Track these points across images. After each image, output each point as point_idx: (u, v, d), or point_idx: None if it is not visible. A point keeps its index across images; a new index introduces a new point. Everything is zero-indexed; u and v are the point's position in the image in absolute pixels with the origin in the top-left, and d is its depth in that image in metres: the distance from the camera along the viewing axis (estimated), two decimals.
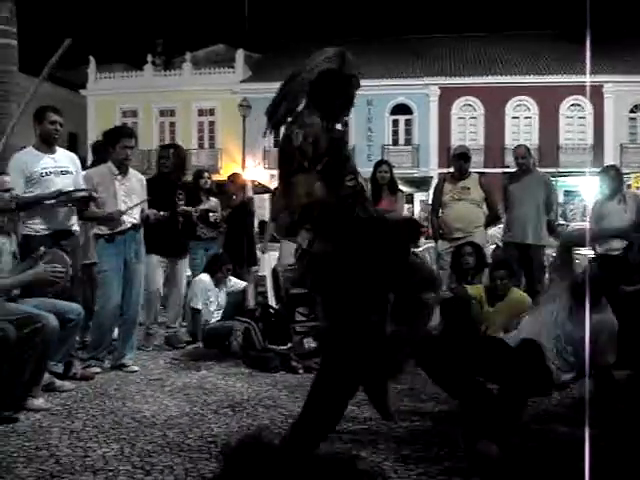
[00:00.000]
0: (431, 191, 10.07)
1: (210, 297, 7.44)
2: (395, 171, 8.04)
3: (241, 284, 7.84)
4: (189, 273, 8.48)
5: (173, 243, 7.27)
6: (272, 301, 8.62)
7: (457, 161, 7.77)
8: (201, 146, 34.94)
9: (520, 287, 7.02)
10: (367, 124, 32.47)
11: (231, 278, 7.77)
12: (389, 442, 4.03)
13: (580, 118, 32.11)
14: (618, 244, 7.09)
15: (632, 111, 31.83)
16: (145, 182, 6.53)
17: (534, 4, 62.82)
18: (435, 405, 4.89)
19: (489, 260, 7.86)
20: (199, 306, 7.33)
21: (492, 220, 7.96)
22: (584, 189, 27.58)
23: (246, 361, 6.43)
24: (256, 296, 8.83)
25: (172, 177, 7.47)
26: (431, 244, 9.46)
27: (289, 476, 3.05)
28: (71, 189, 5.70)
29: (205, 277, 7.49)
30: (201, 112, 34.88)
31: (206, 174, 8.94)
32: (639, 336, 5.08)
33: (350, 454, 3.73)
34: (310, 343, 6.60)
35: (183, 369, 6.28)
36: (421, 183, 30.43)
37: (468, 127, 32.79)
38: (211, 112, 34.74)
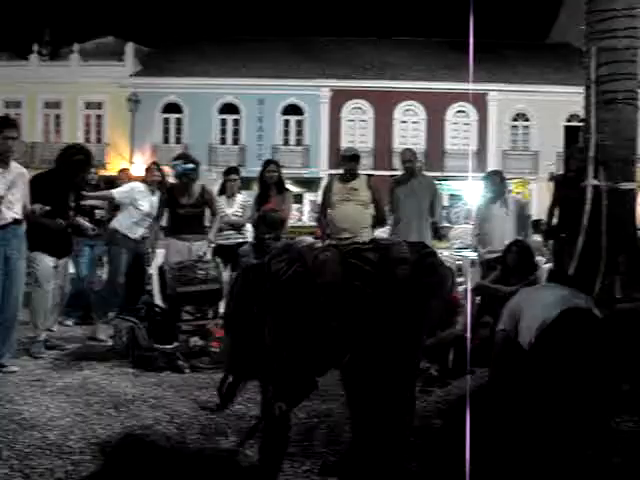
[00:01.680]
0: (320, 191, 10.18)
1: None
2: (285, 171, 8.11)
3: None
4: (72, 271, 8.25)
5: (60, 242, 6.90)
6: (158, 300, 8.49)
7: (346, 162, 7.88)
8: (87, 140, 33.79)
9: None
10: (258, 123, 32.45)
11: None
12: None
13: (465, 124, 33.15)
14: (499, 247, 7.38)
15: (514, 119, 33.07)
16: (27, 176, 6.29)
17: (423, 12, 64.33)
18: (322, 402, 4.91)
19: None
20: None
21: (379, 221, 8.09)
22: (468, 193, 28.51)
23: (131, 360, 6.33)
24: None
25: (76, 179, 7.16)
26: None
27: (171, 475, 3.03)
28: None
29: None
30: (88, 105, 33.86)
31: (93, 169, 8.76)
32: None
33: (236, 451, 3.74)
34: (196, 342, 6.56)
35: (65, 369, 6.13)
36: (311, 183, 30.67)
37: (358, 129, 33.26)
38: (99, 106, 33.78)
